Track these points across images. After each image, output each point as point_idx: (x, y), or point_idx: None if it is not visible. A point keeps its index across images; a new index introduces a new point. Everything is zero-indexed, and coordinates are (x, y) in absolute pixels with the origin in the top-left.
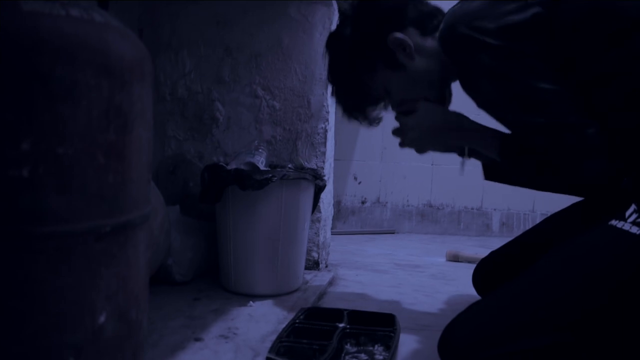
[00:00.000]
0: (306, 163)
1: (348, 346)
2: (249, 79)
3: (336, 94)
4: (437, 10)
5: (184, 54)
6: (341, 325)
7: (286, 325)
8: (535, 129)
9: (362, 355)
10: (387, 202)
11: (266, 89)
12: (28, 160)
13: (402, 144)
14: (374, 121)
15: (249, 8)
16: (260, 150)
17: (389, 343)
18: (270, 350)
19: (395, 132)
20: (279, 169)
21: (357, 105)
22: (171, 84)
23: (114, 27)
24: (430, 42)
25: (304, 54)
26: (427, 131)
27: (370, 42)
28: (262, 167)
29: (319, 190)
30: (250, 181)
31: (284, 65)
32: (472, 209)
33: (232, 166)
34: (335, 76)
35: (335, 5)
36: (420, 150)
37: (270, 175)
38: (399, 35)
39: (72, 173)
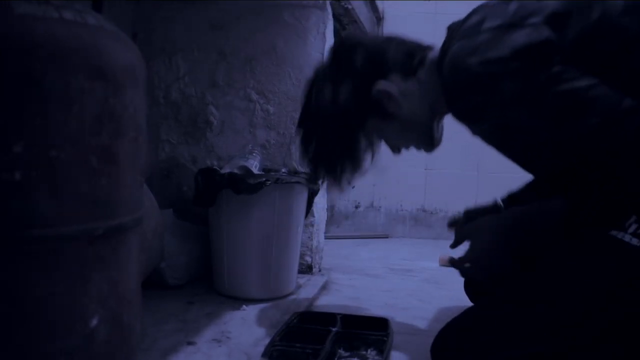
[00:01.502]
0: (300, 167)
1: (341, 350)
2: (243, 83)
3: (321, 162)
4: (416, 47)
5: (178, 58)
6: (334, 329)
7: (279, 329)
8: (594, 131)
9: (355, 359)
10: (380, 207)
11: (260, 93)
12: (20, 164)
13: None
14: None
15: (243, 12)
16: (254, 154)
17: (382, 347)
18: (263, 354)
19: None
20: (272, 173)
21: (346, 167)
22: (165, 87)
23: (107, 30)
24: (414, 84)
25: (298, 58)
26: (495, 250)
27: (353, 102)
28: (256, 171)
29: (312, 194)
30: (244, 185)
31: (278, 69)
32: None
33: (226, 170)
34: (322, 144)
35: (329, 9)
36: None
37: (264, 179)
38: (382, 86)
39: (65, 176)
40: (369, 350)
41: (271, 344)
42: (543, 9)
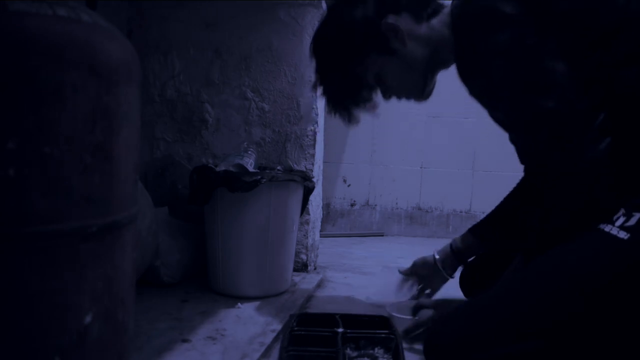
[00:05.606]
0: (295, 165)
1: (348, 350)
2: (239, 81)
3: (324, 85)
4: None
5: (173, 56)
6: (340, 330)
7: (284, 334)
8: (544, 115)
9: (366, 359)
10: (376, 205)
11: (255, 91)
12: (14, 160)
13: None
14: (355, 119)
15: (238, 11)
16: (249, 152)
17: (389, 345)
18: None
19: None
20: (268, 171)
21: (345, 97)
22: (160, 85)
23: (101, 27)
24: (424, 29)
25: (293, 56)
26: None
27: (362, 27)
28: (251, 169)
29: (307, 192)
30: (239, 183)
31: (273, 67)
32: (461, 212)
33: (221, 168)
34: (324, 66)
35: (324, 7)
36: None
37: (259, 177)
38: (392, 20)
39: (58, 173)
40: (376, 349)
41: (284, 350)
42: None
